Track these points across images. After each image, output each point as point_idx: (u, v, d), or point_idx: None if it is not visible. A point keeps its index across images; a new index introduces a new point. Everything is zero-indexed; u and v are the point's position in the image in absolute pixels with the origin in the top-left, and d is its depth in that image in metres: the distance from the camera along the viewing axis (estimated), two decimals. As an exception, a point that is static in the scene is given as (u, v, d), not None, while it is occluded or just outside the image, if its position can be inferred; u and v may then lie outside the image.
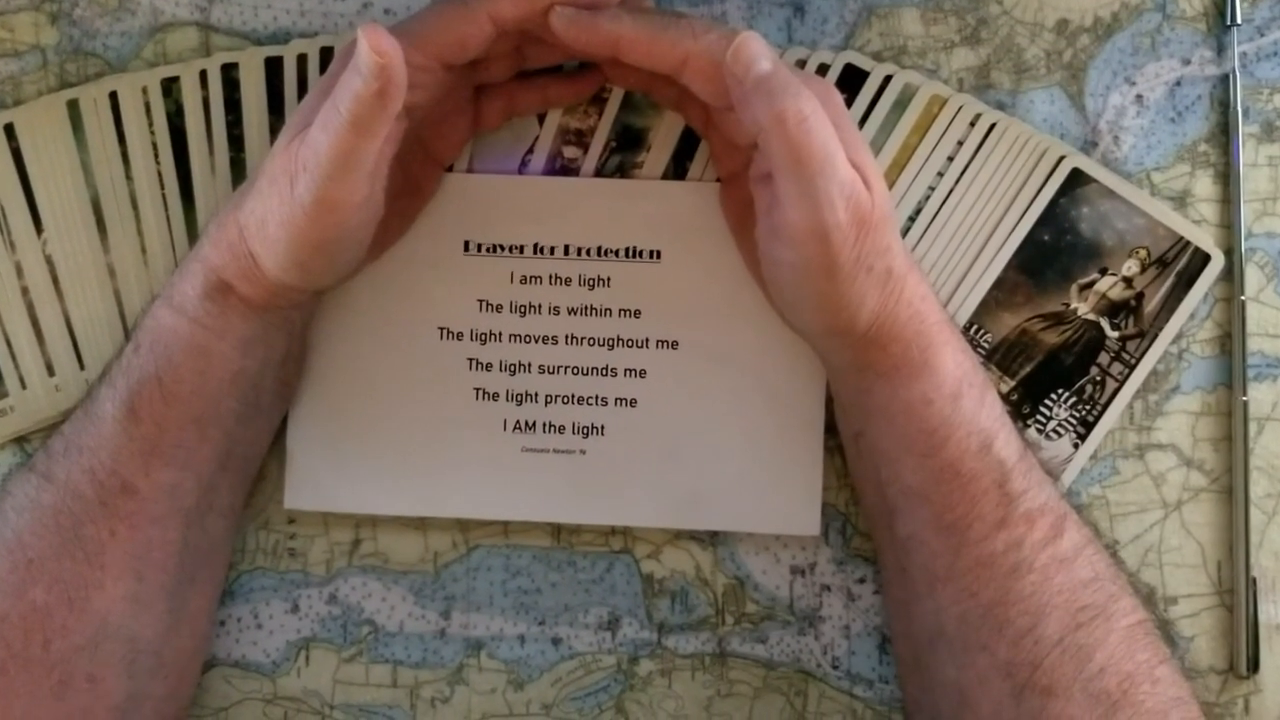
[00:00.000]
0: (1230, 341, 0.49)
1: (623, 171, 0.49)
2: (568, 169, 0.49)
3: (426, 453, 0.47)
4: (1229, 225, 0.49)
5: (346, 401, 0.48)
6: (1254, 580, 0.48)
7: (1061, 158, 0.48)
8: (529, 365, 0.48)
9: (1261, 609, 0.48)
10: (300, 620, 0.49)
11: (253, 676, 0.49)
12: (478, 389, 0.48)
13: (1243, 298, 0.48)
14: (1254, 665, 0.48)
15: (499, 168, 0.48)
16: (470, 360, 0.48)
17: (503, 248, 0.48)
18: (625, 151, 0.49)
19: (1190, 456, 0.49)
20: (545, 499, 0.47)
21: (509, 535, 0.49)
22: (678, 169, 0.49)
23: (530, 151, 0.49)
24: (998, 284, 0.48)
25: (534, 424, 0.48)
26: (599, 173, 0.49)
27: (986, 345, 0.48)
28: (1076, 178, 0.48)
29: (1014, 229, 0.48)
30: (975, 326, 0.48)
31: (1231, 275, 0.49)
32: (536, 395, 0.48)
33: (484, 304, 0.48)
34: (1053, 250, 0.48)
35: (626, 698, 0.49)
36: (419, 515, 0.48)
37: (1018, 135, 0.48)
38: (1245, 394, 0.48)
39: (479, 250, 0.48)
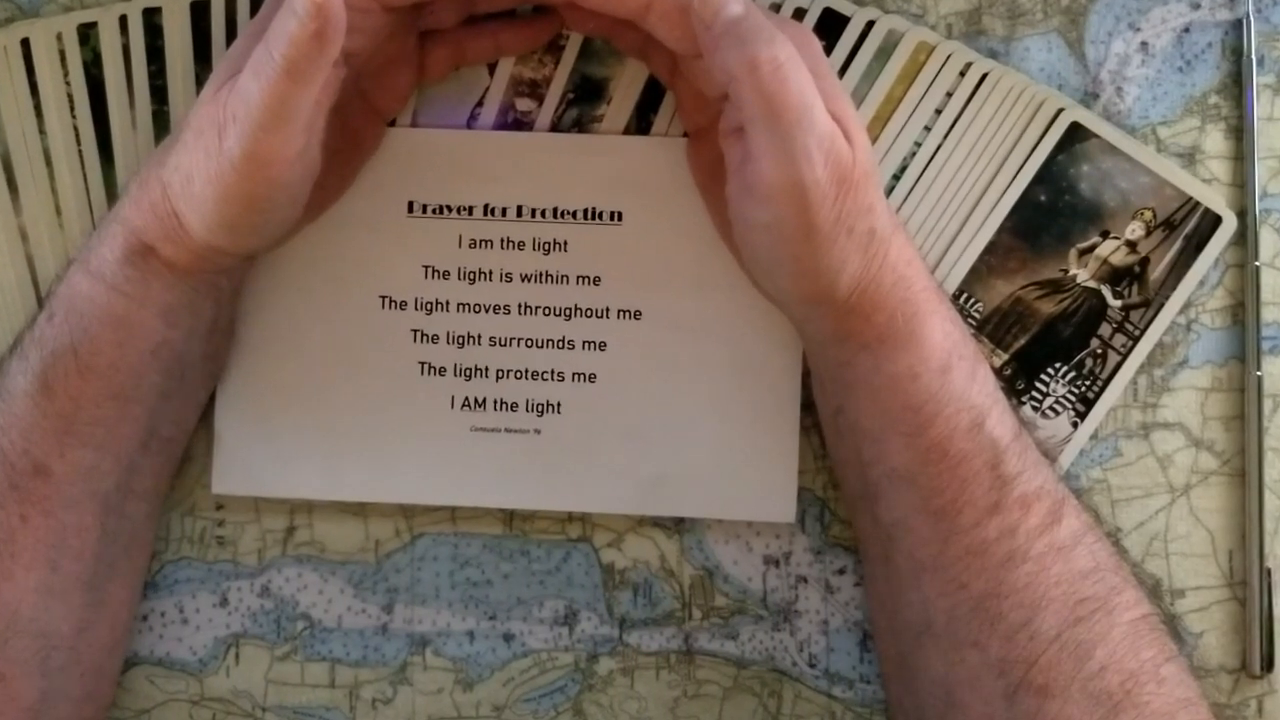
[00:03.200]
0: (1243, 311, 0.48)
1: (581, 125, 0.48)
2: (521, 123, 0.48)
3: (367, 433, 0.47)
4: (1242, 184, 0.48)
5: (279, 377, 0.47)
6: (1269, 571, 0.47)
7: (1060, 110, 0.47)
8: (478, 337, 0.47)
9: (1276, 602, 0.47)
10: (229, 614, 0.48)
11: (178, 675, 0.48)
12: (423, 363, 0.47)
13: (1256, 263, 0.47)
14: (1268, 664, 0.47)
15: (446, 121, 0.47)
16: (414, 332, 0.47)
17: (450, 209, 0.47)
18: (584, 104, 0.48)
19: (1199, 436, 0.48)
20: (496, 483, 0.47)
21: (457, 522, 0.48)
22: (641, 123, 0.48)
23: (480, 104, 0.48)
24: (990, 248, 0.47)
25: (484, 401, 0.47)
26: (555, 127, 0.48)
27: (977, 315, 0.47)
28: (1076, 132, 0.47)
29: (1007, 188, 0.47)
30: (965, 295, 0.47)
31: (1244, 239, 0.47)
32: (487, 370, 0.47)
33: (429, 270, 0.47)
34: (1050, 211, 0.47)
35: (585, 699, 0.48)
36: (359, 501, 0.47)
37: (1011, 86, 0.47)
38: (1259, 368, 0.47)
39: (424, 212, 0.47)
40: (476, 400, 0.47)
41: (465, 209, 0.47)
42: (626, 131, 0.47)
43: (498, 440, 0.47)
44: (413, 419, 0.47)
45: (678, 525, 0.48)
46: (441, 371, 0.47)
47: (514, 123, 0.47)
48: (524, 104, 0.47)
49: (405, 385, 0.47)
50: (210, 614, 0.48)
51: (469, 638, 0.48)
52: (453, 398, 0.47)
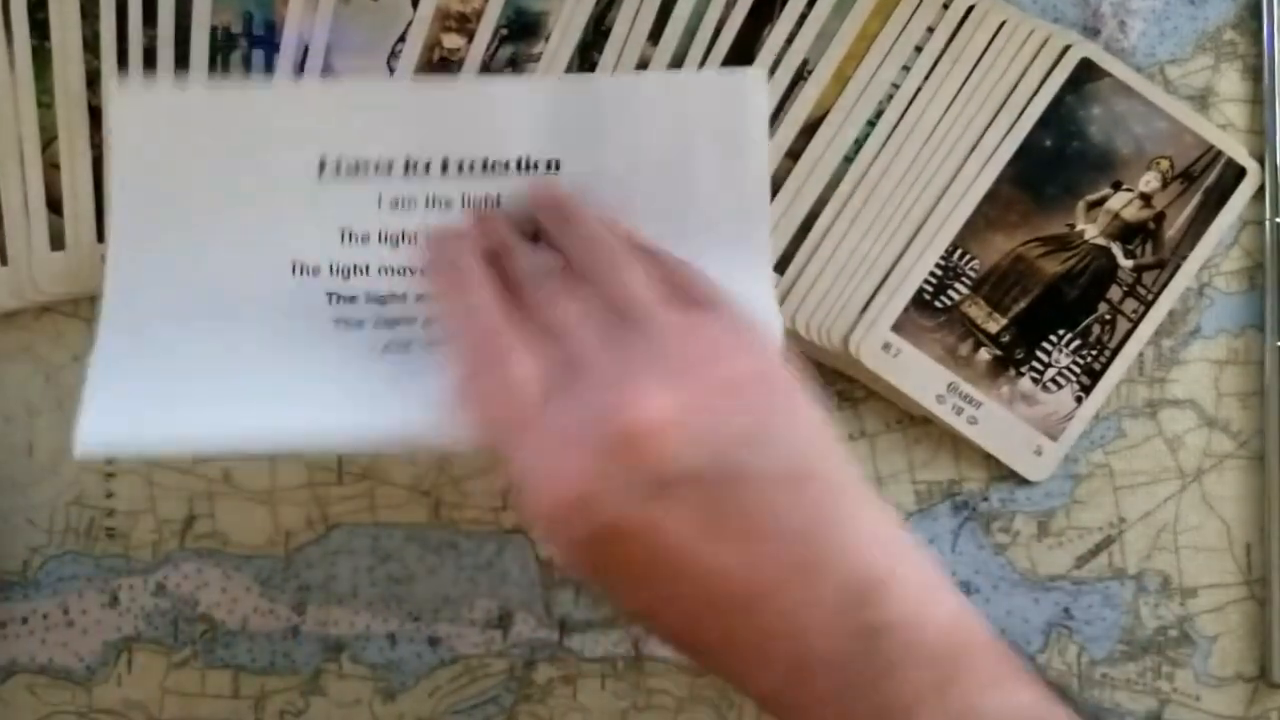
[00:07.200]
0: (1261, 274, 0.46)
1: (516, 65, 0.46)
2: (447, 62, 0.46)
3: (268, 377, 0.42)
4: (1260, 130, 0.46)
5: (163, 339, 0.42)
6: (1290, 567, 0.45)
7: (1067, 46, 0.45)
8: (403, 296, 0.44)
9: (1299, 602, 0.45)
10: (120, 616, 0.46)
11: (63, 685, 0.46)
12: (339, 319, 0.43)
13: (1276, 220, 0.46)
14: (1290, 671, 0.45)
15: (362, 60, 0.46)
16: (330, 295, 0.44)
17: (368, 165, 0.44)
18: (519, 40, 0.46)
19: (1213, 415, 0.47)
20: (419, 414, 0.41)
21: (376, 511, 0.47)
22: (584, 63, 0.46)
23: (401, 40, 0.46)
24: (988, 199, 0.45)
25: (409, 345, 0.43)
26: (486, 67, 0.46)
27: (973, 274, 0.45)
28: (1086, 71, 0.45)
29: (1009, 132, 0.45)
30: (960, 250, 0.45)
31: (1263, 192, 0.46)
32: (413, 321, 0.44)
33: (346, 234, 0.44)
34: (1056, 159, 0.45)
35: (521, 710, 0.47)
36: (255, 449, 0.42)
37: (1003, 20, 0.45)
38: (1279, 339, 0.47)
39: (338, 170, 0.44)
40: (400, 344, 0.43)
41: (384, 165, 0.44)
42: (568, 71, 0.46)
43: (418, 366, 0.42)
44: (325, 364, 0.42)
45: (626, 515, 0.46)
46: (360, 324, 0.43)
47: (440, 62, 0.46)
48: (451, 40, 0.46)
49: (319, 338, 0.43)
50: (99, 615, 0.46)
51: (390, 642, 0.47)
52: (372, 347, 0.43)
